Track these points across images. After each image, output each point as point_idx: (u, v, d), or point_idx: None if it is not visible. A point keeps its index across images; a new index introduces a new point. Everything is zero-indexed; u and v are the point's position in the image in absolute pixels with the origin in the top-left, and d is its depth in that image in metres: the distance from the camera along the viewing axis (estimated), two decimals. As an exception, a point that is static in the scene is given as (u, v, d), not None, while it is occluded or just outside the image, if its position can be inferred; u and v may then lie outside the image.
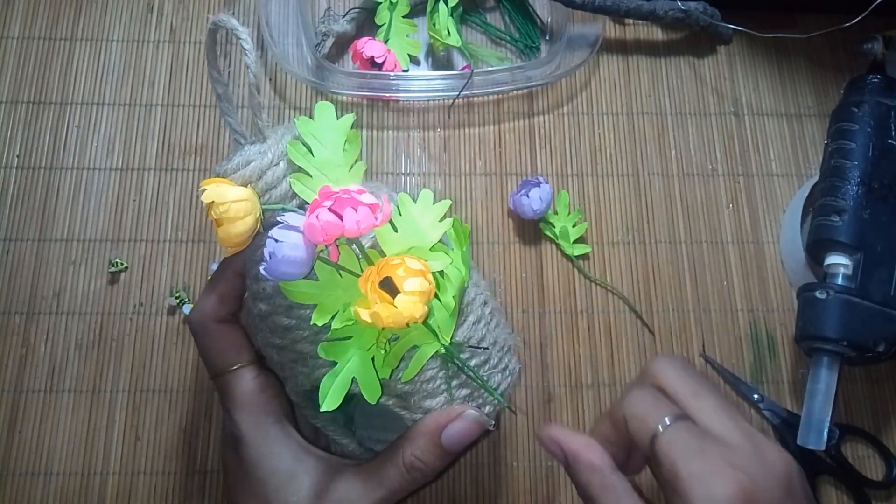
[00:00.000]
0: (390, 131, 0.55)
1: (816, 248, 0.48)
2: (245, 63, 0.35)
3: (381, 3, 0.55)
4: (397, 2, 0.55)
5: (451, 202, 0.37)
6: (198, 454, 0.47)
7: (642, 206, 0.54)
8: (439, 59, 0.57)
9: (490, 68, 0.54)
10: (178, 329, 0.49)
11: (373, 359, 0.35)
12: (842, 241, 0.46)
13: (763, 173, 0.55)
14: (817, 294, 0.45)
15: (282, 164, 0.36)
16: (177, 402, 0.48)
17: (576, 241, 0.52)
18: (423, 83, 0.54)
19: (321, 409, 0.34)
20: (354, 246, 0.35)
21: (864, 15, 0.49)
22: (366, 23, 0.56)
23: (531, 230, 0.53)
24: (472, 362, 0.37)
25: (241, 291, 0.40)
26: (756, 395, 0.50)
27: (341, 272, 0.34)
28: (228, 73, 0.55)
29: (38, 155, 0.52)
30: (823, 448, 0.44)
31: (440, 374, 0.36)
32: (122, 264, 0.50)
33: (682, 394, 0.32)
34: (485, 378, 0.38)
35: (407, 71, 0.55)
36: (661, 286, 0.52)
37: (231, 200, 0.34)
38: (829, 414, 0.44)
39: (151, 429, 0.47)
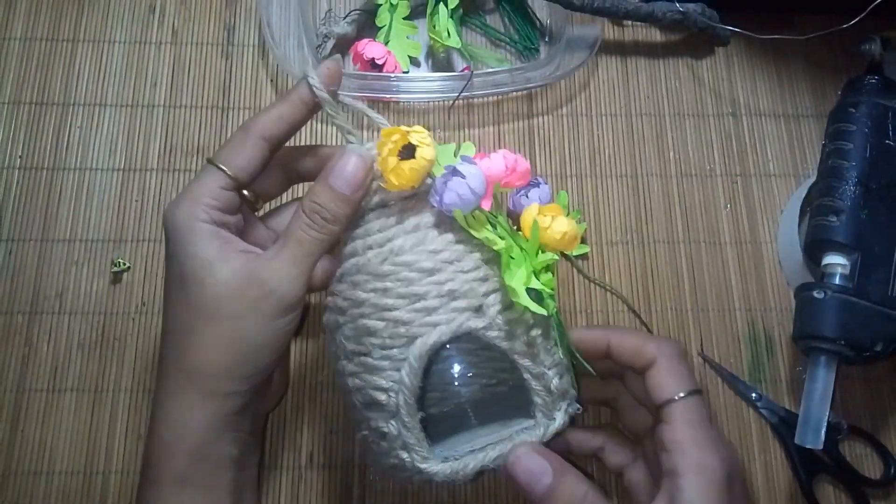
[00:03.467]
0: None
1: (814, 248, 0.49)
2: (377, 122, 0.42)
3: (381, 4, 0.56)
4: (398, 4, 0.55)
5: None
6: (199, 453, 0.47)
7: (641, 207, 0.54)
8: (439, 60, 0.57)
9: (490, 70, 0.54)
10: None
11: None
12: (839, 241, 0.47)
13: (761, 174, 0.56)
14: (815, 294, 0.45)
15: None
16: (179, 401, 0.48)
17: (575, 242, 0.52)
18: (423, 85, 0.54)
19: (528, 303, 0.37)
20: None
21: (861, 16, 0.49)
22: (366, 24, 0.57)
23: (531, 230, 0.53)
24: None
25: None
26: (754, 394, 0.50)
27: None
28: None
29: (41, 155, 0.53)
30: (821, 447, 0.44)
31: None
32: (124, 264, 0.50)
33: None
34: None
35: (407, 72, 0.55)
36: (659, 286, 0.52)
37: (426, 131, 0.38)
38: (827, 413, 0.44)
39: (153, 428, 0.47)
